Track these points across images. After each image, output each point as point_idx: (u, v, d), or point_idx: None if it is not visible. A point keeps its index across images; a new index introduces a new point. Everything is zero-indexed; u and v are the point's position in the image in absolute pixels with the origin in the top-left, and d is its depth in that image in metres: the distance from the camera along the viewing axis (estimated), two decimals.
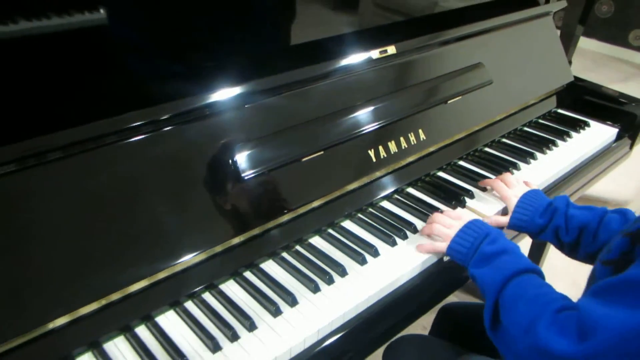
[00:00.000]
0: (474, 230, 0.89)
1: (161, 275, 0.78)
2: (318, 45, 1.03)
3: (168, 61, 0.89)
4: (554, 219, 0.96)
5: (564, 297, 0.74)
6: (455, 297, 1.63)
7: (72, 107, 0.77)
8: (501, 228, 1.02)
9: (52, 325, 0.69)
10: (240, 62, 0.95)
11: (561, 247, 0.97)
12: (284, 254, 0.91)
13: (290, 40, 1.03)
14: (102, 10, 0.77)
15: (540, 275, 0.81)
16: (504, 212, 1.07)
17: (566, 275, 1.40)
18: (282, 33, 1.03)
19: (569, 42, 2.82)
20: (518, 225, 1.00)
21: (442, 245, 0.92)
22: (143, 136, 0.79)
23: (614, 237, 0.76)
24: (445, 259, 0.95)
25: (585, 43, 4.25)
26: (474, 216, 0.96)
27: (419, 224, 1.00)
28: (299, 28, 1.02)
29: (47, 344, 0.70)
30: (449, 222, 0.95)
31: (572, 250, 0.96)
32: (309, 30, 1.03)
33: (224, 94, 0.86)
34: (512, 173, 1.19)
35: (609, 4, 4.21)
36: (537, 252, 1.74)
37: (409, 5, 1.23)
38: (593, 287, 0.68)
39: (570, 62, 2.82)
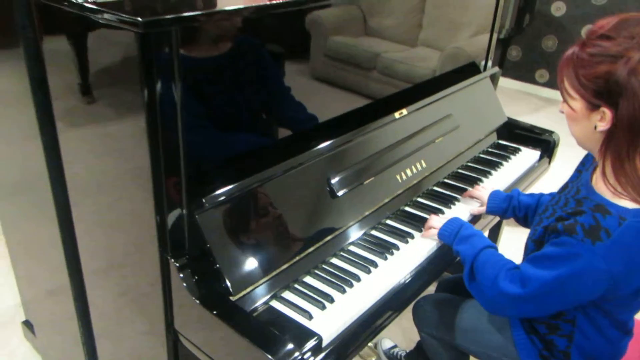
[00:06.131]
0: (454, 222, 1.45)
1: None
2: (364, 112, 1.63)
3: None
4: (511, 203, 1.60)
5: (511, 261, 1.26)
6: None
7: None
8: (480, 214, 1.65)
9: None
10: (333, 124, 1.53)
11: (517, 220, 1.61)
12: (359, 241, 1.49)
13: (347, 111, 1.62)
14: None
15: (495, 249, 1.33)
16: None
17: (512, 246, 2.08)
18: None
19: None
20: (492, 209, 1.63)
21: (435, 232, 1.49)
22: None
23: (538, 222, 1.26)
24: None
25: (501, 82, 5.15)
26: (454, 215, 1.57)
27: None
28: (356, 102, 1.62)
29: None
30: (439, 218, 1.53)
31: (524, 221, 1.59)
32: (361, 102, 1.63)
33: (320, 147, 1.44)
34: (479, 184, 1.83)
35: (517, 49, 5.16)
36: (493, 235, 2.40)
37: (408, 75, 1.86)
38: (528, 257, 1.20)
39: None
